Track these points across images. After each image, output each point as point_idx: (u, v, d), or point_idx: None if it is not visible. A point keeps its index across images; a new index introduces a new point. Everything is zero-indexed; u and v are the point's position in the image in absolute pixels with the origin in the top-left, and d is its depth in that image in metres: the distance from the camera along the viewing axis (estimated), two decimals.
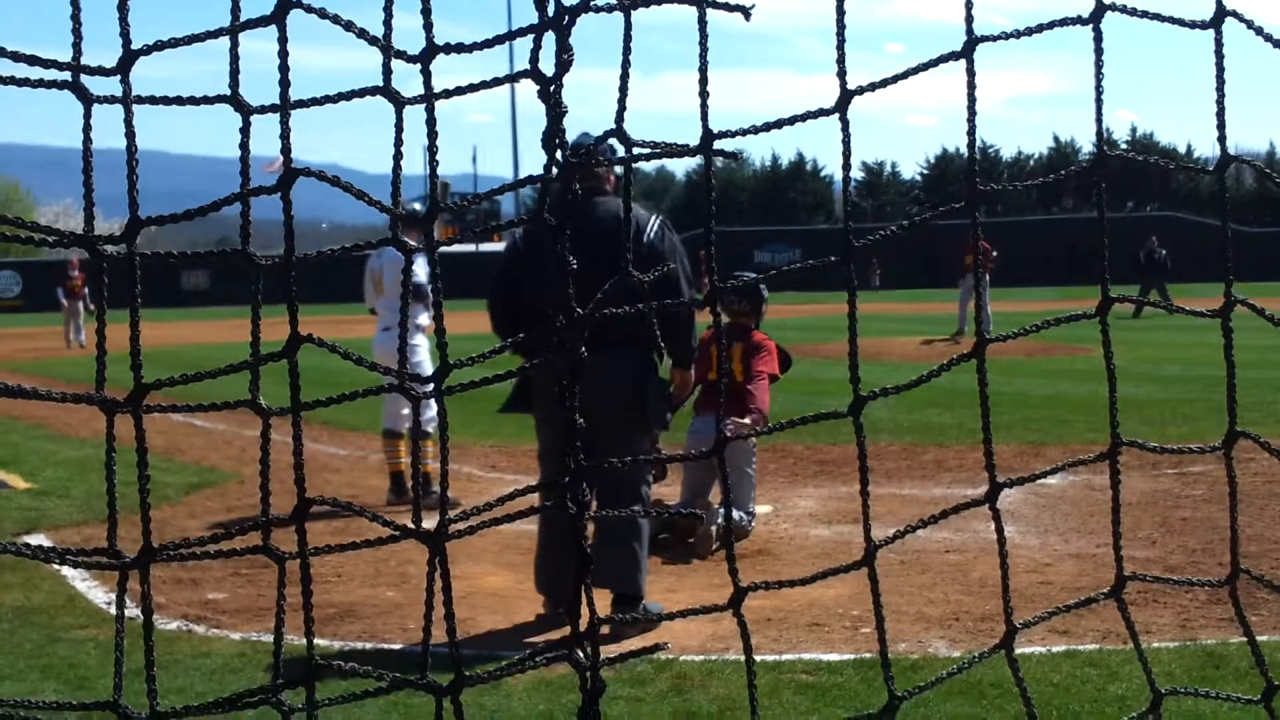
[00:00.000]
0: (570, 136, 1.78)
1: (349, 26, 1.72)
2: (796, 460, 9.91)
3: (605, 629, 3.69)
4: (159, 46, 1.66)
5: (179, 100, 1.71)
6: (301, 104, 1.74)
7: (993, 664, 4.43)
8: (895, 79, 1.92)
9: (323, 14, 1.71)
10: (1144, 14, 1.94)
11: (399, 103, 1.77)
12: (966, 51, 1.92)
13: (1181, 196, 70.86)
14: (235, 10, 1.67)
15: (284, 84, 1.69)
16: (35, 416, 13.60)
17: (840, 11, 1.83)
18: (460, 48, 1.75)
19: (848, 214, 2.01)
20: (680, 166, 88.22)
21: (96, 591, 6.09)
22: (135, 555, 1.75)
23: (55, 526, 7.72)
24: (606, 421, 4.93)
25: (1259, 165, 2.33)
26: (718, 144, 1.86)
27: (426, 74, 1.76)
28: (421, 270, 7.99)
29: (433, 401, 1.87)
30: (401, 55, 1.75)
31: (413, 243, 1.87)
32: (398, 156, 1.78)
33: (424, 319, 8.56)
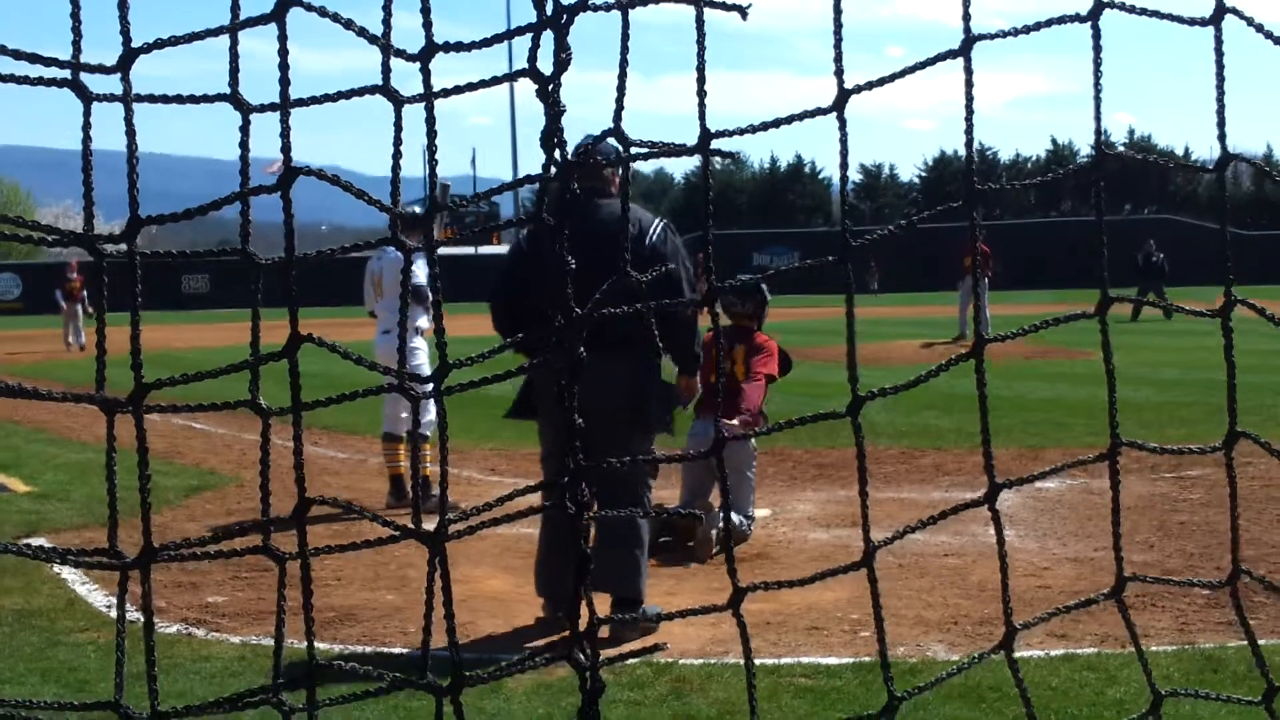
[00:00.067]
0: (569, 136, 1.78)
1: (349, 25, 1.72)
2: (795, 464, 9.91)
3: (605, 632, 3.68)
4: (159, 44, 1.66)
5: (179, 99, 1.71)
6: (301, 103, 1.74)
7: (991, 667, 4.44)
8: (893, 77, 1.92)
9: (323, 12, 1.71)
10: (1143, 11, 1.94)
11: (398, 101, 1.77)
12: (964, 50, 1.92)
13: (1179, 199, 70.92)
14: (235, 9, 1.67)
15: (284, 82, 1.69)
16: (36, 420, 13.59)
17: (837, 10, 1.83)
18: (459, 46, 1.75)
19: (845, 212, 2.01)
20: (679, 169, 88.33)
21: (97, 595, 6.08)
22: (136, 555, 1.75)
23: (55, 530, 7.72)
24: (607, 423, 4.93)
25: (1259, 163, 2.33)
26: (715, 143, 1.86)
27: (426, 73, 1.76)
28: (421, 272, 7.99)
29: (432, 405, 1.87)
30: (401, 54, 1.75)
31: (412, 243, 1.87)
32: (397, 155, 1.78)
33: (424, 321, 8.56)
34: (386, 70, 1.78)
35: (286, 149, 1.75)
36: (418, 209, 7.36)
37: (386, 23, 1.76)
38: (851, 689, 4.57)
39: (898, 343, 22.33)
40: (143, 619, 1.82)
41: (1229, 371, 2.11)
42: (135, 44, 1.66)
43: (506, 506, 1.87)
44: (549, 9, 1.73)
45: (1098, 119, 2.03)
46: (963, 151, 1.99)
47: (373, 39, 1.74)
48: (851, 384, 2.00)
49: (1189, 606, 5.56)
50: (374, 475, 9.68)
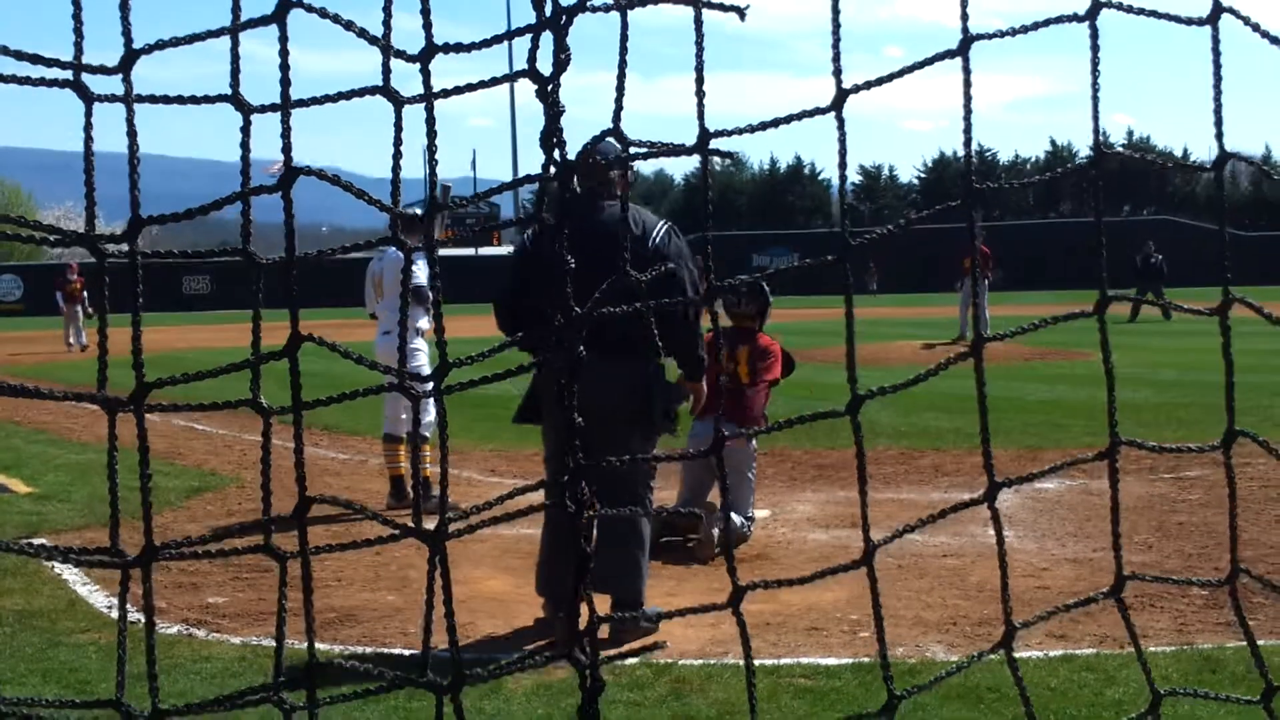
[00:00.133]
0: (568, 137, 1.79)
1: (349, 26, 1.73)
2: (795, 465, 9.92)
3: (605, 632, 3.68)
4: (160, 45, 1.66)
5: (180, 100, 1.72)
6: (302, 103, 1.75)
7: (990, 668, 4.44)
8: (891, 77, 1.92)
9: (323, 13, 1.72)
10: (1140, 11, 1.95)
11: (398, 102, 1.77)
12: (962, 50, 1.92)
13: (1178, 200, 70.94)
14: (236, 10, 1.68)
15: (284, 82, 1.70)
16: (37, 421, 13.60)
17: (835, 9, 1.84)
18: (459, 47, 1.76)
19: (844, 211, 2.02)
20: (678, 170, 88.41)
21: (97, 596, 6.09)
22: (137, 554, 1.75)
23: (56, 531, 7.72)
24: (608, 423, 4.93)
25: (1256, 163, 2.33)
26: (714, 143, 1.87)
27: (426, 73, 1.77)
28: (421, 272, 8.00)
29: (431, 406, 1.88)
30: (401, 55, 1.75)
31: (412, 244, 1.88)
32: (397, 156, 1.78)
33: (424, 323, 8.56)
34: (387, 71, 1.78)
35: (287, 149, 1.75)
36: (418, 210, 7.37)
37: (386, 24, 1.77)
38: (851, 689, 4.57)
39: (897, 343, 22.33)
40: (144, 619, 1.83)
41: (1227, 370, 2.11)
42: (137, 45, 1.66)
43: (506, 506, 1.87)
44: (548, 10, 1.73)
45: (1095, 118, 2.03)
46: (962, 152, 2.00)
47: (373, 40, 1.75)
48: (851, 384, 2.01)
49: (1188, 607, 5.57)
50: (374, 476, 9.68)
